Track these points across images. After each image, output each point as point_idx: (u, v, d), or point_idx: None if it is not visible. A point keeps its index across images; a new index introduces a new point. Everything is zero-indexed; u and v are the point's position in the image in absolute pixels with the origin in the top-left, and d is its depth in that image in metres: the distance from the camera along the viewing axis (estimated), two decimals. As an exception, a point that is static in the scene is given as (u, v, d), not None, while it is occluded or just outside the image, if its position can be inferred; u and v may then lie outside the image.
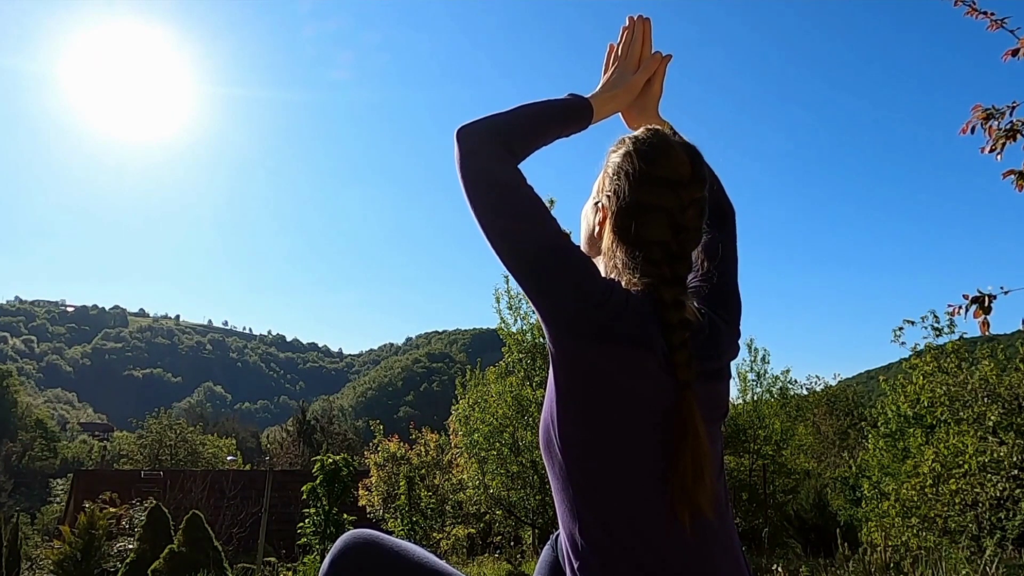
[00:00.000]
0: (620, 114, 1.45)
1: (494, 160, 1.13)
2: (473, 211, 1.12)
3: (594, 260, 1.27)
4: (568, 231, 1.14)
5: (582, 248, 1.31)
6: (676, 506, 1.04)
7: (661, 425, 1.06)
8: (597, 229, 1.25)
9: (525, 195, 1.12)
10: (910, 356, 10.97)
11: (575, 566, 1.07)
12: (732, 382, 1.28)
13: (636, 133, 1.23)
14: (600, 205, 1.24)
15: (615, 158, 1.22)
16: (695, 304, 1.18)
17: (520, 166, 1.17)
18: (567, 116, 1.26)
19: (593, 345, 1.05)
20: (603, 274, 1.23)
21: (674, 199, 1.15)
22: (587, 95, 1.32)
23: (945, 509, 9.35)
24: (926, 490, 9.50)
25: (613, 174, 1.20)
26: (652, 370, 1.06)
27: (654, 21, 1.44)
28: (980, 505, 9.11)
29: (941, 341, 10.47)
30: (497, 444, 11.76)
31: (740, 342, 1.31)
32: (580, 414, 1.07)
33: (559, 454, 1.10)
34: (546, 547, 1.47)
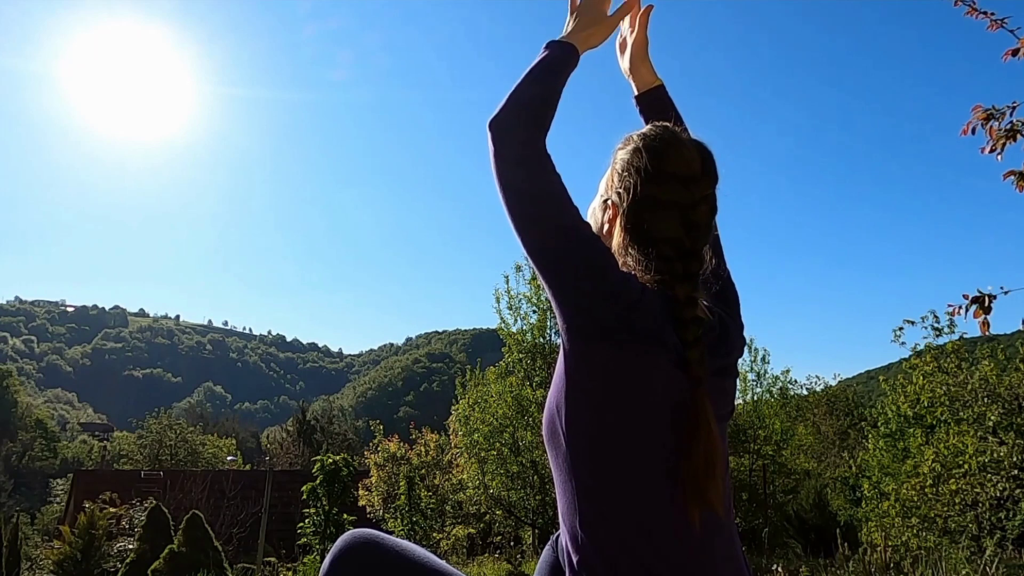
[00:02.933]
0: (620, 63, 1.56)
1: (524, 156, 1.15)
2: (502, 199, 1.16)
3: None
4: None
5: None
6: (687, 503, 1.04)
7: (671, 420, 1.06)
8: (607, 227, 1.24)
9: (551, 189, 1.13)
10: (910, 356, 10.98)
11: (574, 560, 1.07)
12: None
13: (644, 130, 1.22)
14: (609, 202, 1.23)
15: (623, 155, 1.21)
16: (705, 303, 1.18)
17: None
18: (566, 68, 1.28)
19: (607, 336, 1.05)
20: None
21: (686, 195, 1.15)
22: (560, 37, 1.35)
23: (945, 509, 9.36)
24: (926, 490, 9.50)
25: (622, 170, 1.20)
26: (664, 365, 1.06)
27: (656, 22, 1.45)
28: (980, 505, 9.12)
29: (941, 341, 10.49)
30: (497, 444, 11.77)
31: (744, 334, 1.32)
32: (588, 405, 1.07)
33: (564, 444, 1.09)
34: (546, 548, 1.47)
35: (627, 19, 1.52)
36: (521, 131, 1.16)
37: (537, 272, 1.13)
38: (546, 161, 1.16)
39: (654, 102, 1.51)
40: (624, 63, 1.55)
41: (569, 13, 1.40)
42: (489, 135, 1.17)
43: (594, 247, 1.10)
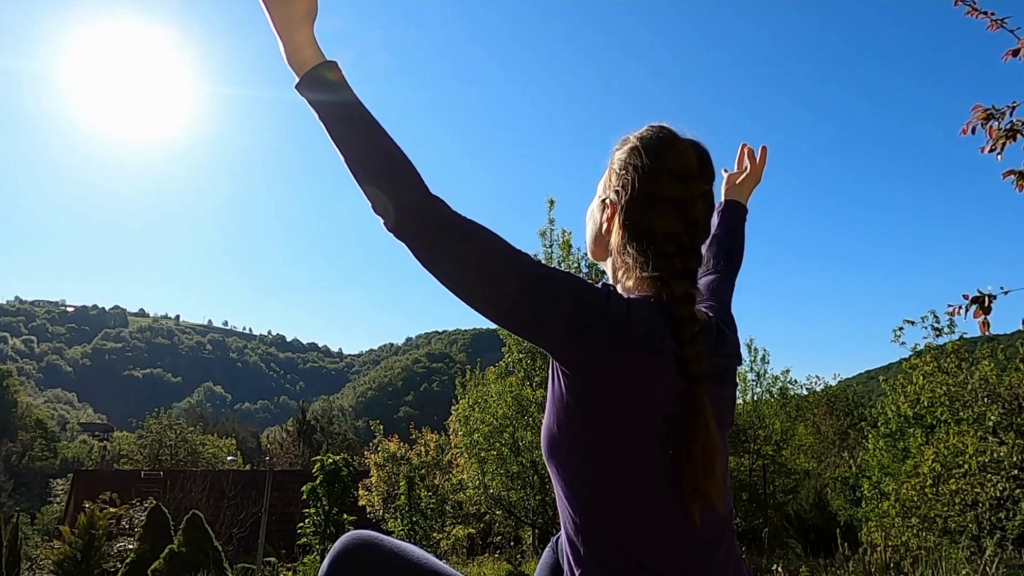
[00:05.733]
0: (729, 182, 1.80)
1: (435, 239, 1.04)
2: (447, 285, 1.06)
3: (602, 260, 1.27)
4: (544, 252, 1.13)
5: (589, 249, 1.31)
6: (688, 502, 1.03)
7: (671, 429, 1.04)
8: (605, 226, 1.23)
9: (492, 247, 1.04)
10: (910, 356, 10.97)
11: (576, 574, 1.06)
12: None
13: (640, 130, 1.22)
14: (608, 201, 1.22)
15: (621, 155, 1.21)
16: (704, 308, 1.17)
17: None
18: (342, 103, 1.07)
19: (600, 353, 1.03)
20: (610, 272, 1.23)
21: (683, 191, 1.14)
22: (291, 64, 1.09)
23: (945, 509, 9.35)
24: (926, 490, 9.50)
25: (620, 169, 1.19)
26: (663, 372, 1.04)
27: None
28: (980, 505, 9.11)
29: (941, 341, 10.48)
30: (497, 444, 11.75)
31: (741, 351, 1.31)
32: (588, 419, 1.05)
33: (565, 461, 1.08)
34: (547, 549, 1.46)
35: (747, 154, 1.83)
36: (416, 206, 1.04)
37: (513, 333, 1.08)
38: (456, 217, 1.05)
39: (733, 210, 1.75)
40: (732, 183, 1.80)
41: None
42: (398, 235, 1.05)
43: (562, 281, 1.04)
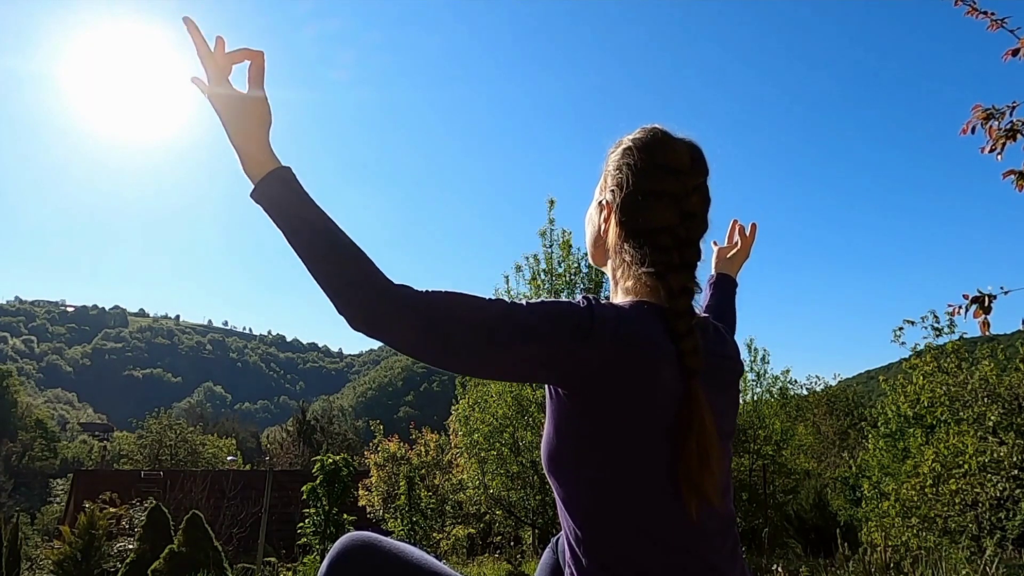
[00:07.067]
0: (717, 257, 1.85)
1: (409, 333, 1.02)
2: (434, 364, 1.05)
3: (603, 264, 1.27)
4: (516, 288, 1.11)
5: (589, 253, 1.31)
6: (684, 496, 1.02)
7: (671, 432, 1.03)
8: (603, 227, 1.23)
9: (462, 308, 1.02)
10: (910, 356, 10.96)
11: None
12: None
13: (634, 133, 1.23)
14: (604, 202, 1.22)
15: (615, 156, 1.22)
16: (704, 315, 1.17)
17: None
18: (297, 212, 1.09)
19: (594, 368, 1.01)
20: (611, 275, 1.23)
21: (678, 184, 1.15)
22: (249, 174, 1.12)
23: (945, 509, 9.35)
24: (926, 490, 9.50)
25: (615, 170, 1.20)
26: (663, 375, 1.03)
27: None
28: (980, 505, 9.11)
29: (941, 341, 10.47)
30: (497, 444, 11.75)
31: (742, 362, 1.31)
32: (590, 432, 1.03)
33: (567, 473, 1.06)
34: (547, 550, 1.46)
35: (738, 230, 1.89)
36: (383, 295, 1.02)
37: (503, 377, 1.07)
38: (424, 292, 1.03)
39: (724, 283, 1.81)
40: (722, 257, 1.86)
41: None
42: (370, 333, 1.04)
43: (540, 307, 1.03)
